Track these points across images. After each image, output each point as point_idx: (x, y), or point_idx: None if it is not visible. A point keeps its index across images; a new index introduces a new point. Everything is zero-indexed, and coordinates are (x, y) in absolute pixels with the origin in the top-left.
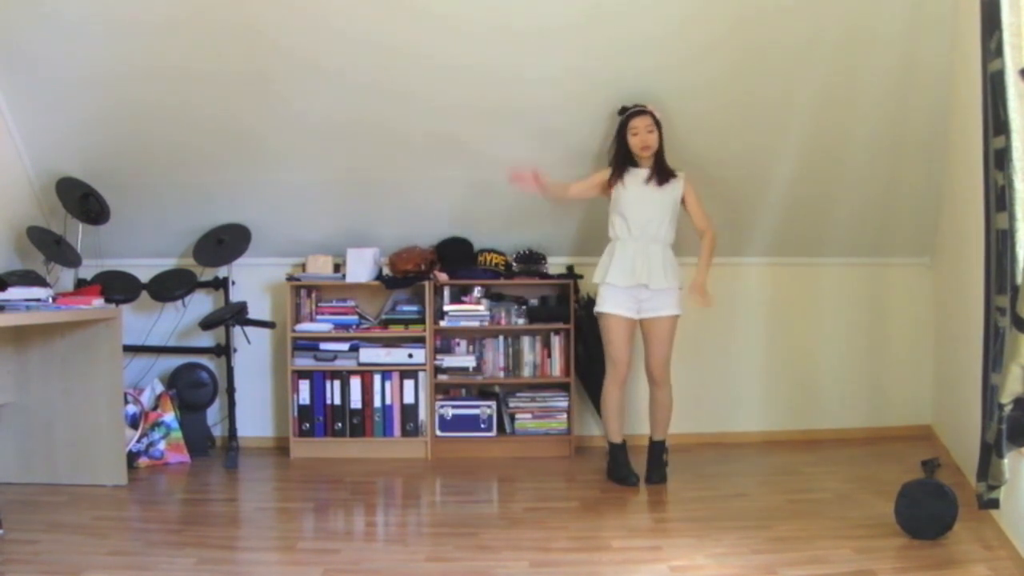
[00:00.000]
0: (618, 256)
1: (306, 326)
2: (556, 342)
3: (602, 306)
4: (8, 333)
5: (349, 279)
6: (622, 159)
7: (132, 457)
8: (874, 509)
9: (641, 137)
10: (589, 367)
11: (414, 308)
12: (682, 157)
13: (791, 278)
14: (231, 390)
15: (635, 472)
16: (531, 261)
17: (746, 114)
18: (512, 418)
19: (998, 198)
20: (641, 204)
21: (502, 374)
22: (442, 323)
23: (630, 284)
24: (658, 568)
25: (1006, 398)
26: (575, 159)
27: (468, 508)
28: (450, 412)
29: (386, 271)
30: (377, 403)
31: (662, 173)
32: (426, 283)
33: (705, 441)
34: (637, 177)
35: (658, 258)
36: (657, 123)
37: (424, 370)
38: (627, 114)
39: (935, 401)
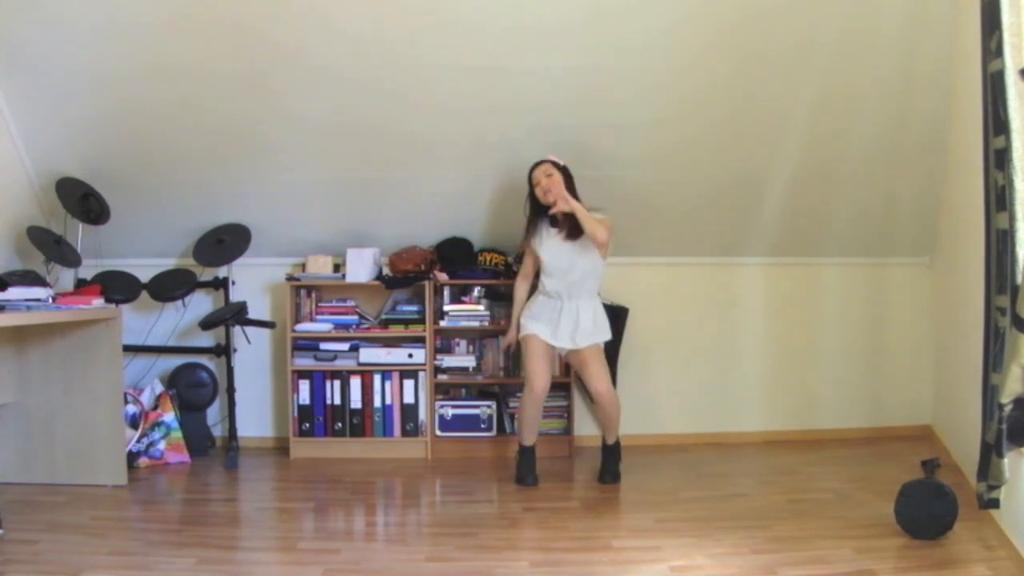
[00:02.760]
0: (540, 311)
1: (306, 326)
2: None
3: (527, 328)
4: (8, 333)
5: (349, 279)
6: (536, 214)
7: (132, 457)
8: (874, 509)
9: (542, 185)
10: None
11: (414, 308)
12: (682, 158)
13: (791, 278)
14: (231, 390)
15: (535, 474)
16: None
17: (745, 115)
18: (512, 418)
19: (998, 198)
20: (560, 262)
21: (502, 374)
22: (442, 323)
23: (554, 343)
24: (658, 568)
25: (1006, 398)
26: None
27: (468, 508)
28: (450, 412)
29: (386, 271)
30: (377, 403)
31: (572, 226)
32: (426, 283)
33: (705, 441)
34: (553, 234)
35: (586, 314)
36: (561, 167)
37: (424, 370)
38: (529, 172)
39: (935, 401)
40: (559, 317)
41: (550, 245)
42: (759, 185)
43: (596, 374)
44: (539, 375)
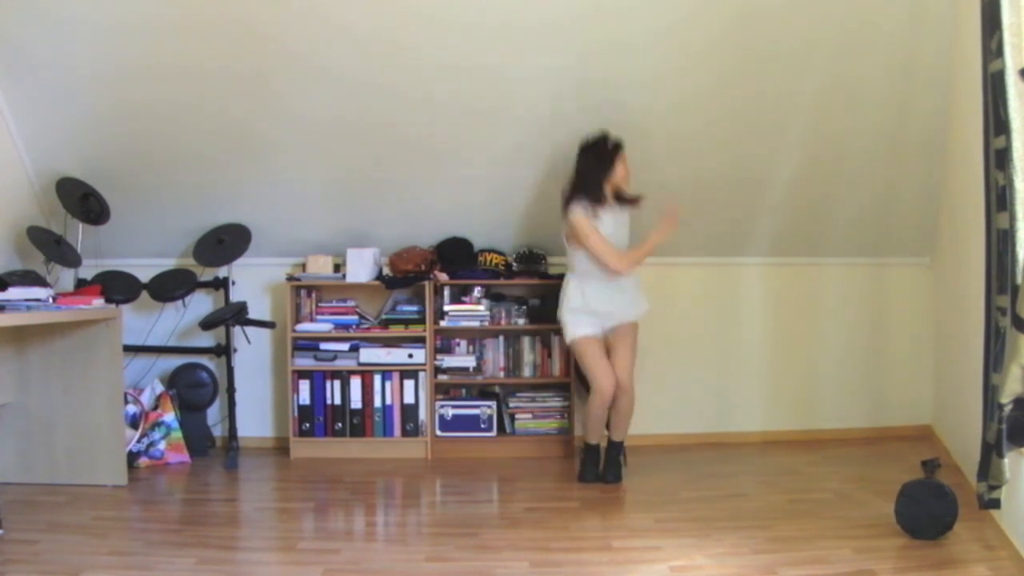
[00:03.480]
0: (592, 294)
1: (306, 326)
2: (556, 342)
3: (576, 332)
4: (8, 333)
5: (349, 279)
6: (600, 190)
7: (132, 457)
8: (874, 509)
9: (627, 169)
10: None
11: (414, 308)
12: (681, 158)
13: (791, 278)
14: (231, 390)
15: (597, 471)
16: (531, 261)
17: (746, 115)
18: (512, 418)
19: (998, 198)
20: (616, 236)
21: (502, 374)
22: (442, 323)
23: (602, 319)
24: (658, 568)
25: (1006, 398)
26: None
27: (468, 508)
28: (450, 412)
29: (386, 271)
30: (377, 403)
31: (625, 197)
32: (426, 283)
33: (705, 441)
34: (610, 210)
35: (629, 289)
36: None
37: (424, 370)
38: (616, 146)
39: (935, 401)
40: (603, 297)
41: (608, 220)
42: (759, 185)
43: (623, 356)
44: (605, 376)
